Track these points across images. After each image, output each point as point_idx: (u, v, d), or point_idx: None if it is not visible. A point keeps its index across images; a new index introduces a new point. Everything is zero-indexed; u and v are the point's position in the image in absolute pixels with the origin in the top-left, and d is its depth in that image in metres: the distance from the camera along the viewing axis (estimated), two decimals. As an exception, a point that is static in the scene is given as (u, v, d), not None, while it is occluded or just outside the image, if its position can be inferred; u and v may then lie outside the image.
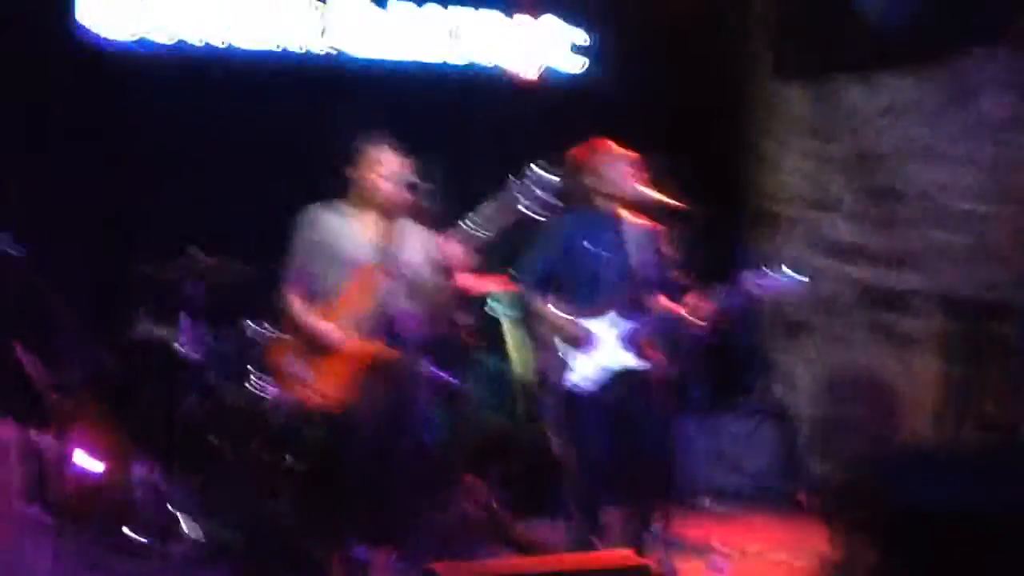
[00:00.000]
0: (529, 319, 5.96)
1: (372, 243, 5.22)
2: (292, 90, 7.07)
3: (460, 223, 5.11)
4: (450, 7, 7.57)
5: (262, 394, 5.93)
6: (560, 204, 5.36)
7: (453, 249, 5.08)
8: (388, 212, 5.26)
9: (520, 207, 5.16)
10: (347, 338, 5.12)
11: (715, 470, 7.55)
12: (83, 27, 6.65)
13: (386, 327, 5.18)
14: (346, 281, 5.16)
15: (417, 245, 5.29)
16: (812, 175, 8.02)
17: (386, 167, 5.21)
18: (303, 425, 5.69)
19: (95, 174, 6.67)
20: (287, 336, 5.28)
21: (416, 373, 5.34)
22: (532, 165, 5.18)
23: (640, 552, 4.99)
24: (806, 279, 5.86)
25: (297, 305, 5.21)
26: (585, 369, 5.62)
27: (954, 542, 4.79)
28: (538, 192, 5.15)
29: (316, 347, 5.16)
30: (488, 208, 5.15)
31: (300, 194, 5.35)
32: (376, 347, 5.15)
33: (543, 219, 5.37)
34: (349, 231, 5.22)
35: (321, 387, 5.16)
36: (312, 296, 5.22)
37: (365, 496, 5.20)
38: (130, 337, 5.96)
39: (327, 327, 5.13)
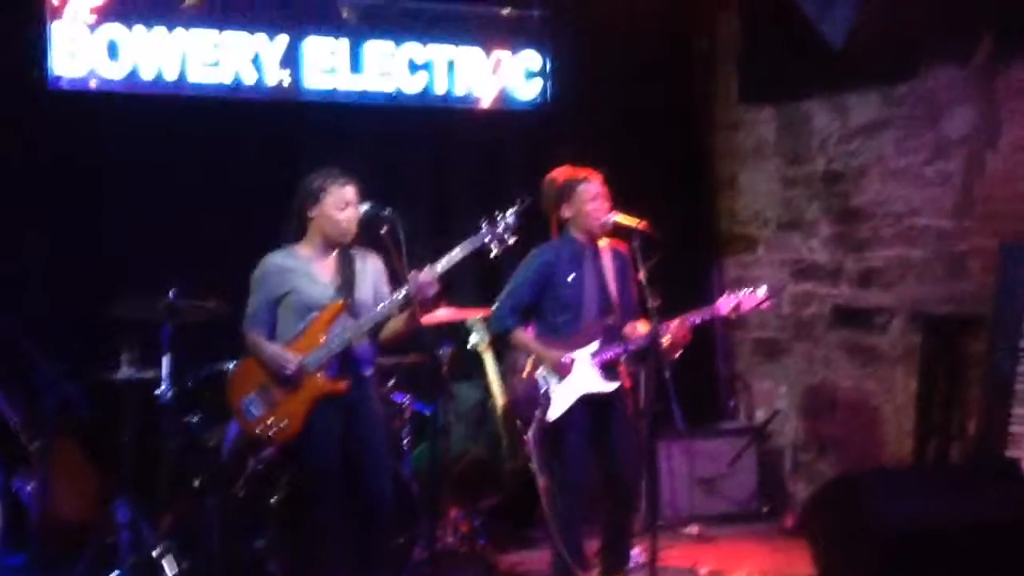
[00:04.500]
0: (506, 351, 5.98)
1: (329, 284, 5.22)
2: (261, 129, 7.08)
3: (430, 265, 5.13)
4: (427, 44, 7.57)
5: (227, 432, 5.93)
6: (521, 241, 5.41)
7: (425, 284, 5.08)
8: (347, 245, 5.27)
9: (489, 249, 5.21)
10: (305, 373, 5.12)
11: (698, 495, 7.56)
12: (54, 76, 6.67)
13: (344, 363, 5.19)
14: (307, 323, 5.17)
15: (370, 280, 5.30)
16: (782, 197, 8.09)
17: (344, 198, 5.19)
18: (274, 464, 5.69)
19: (69, 217, 6.66)
20: (245, 373, 5.27)
21: (375, 407, 5.36)
22: (500, 210, 5.23)
23: (624, 579, 5.00)
24: (775, 297, 5.96)
25: (256, 340, 5.21)
26: (564, 400, 5.64)
27: (936, 560, 4.82)
28: (506, 235, 5.20)
29: (275, 382, 5.16)
30: (457, 252, 5.18)
31: (272, 232, 5.33)
32: (331, 382, 5.15)
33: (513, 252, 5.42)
34: (307, 276, 5.20)
35: (277, 422, 5.14)
36: (273, 339, 5.23)
37: (334, 530, 5.19)
38: (111, 380, 5.95)
39: (284, 357, 5.13)
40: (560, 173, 5.82)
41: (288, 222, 5.27)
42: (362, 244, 5.33)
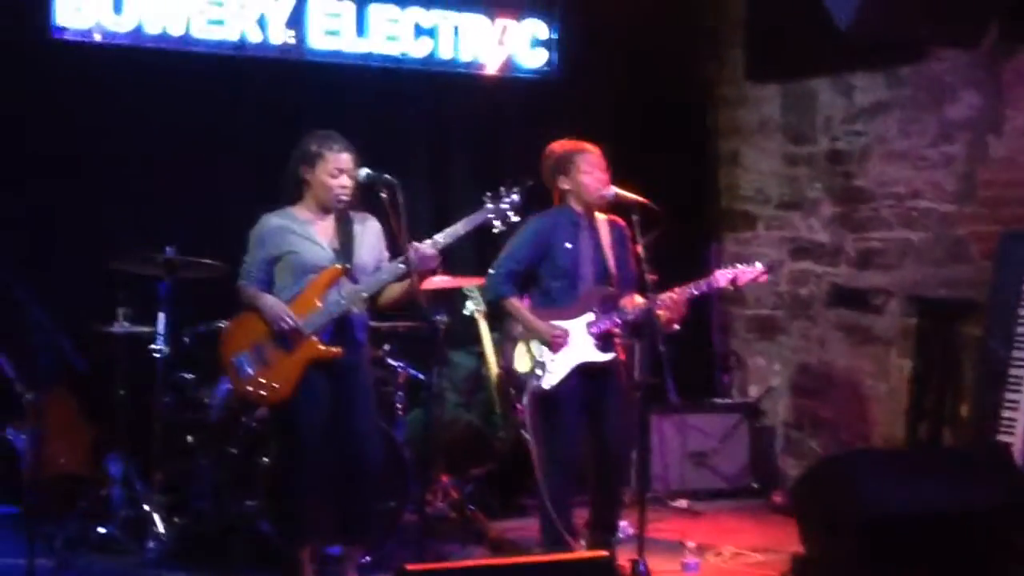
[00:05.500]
0: (502, 319, 5.98)
1: (328, 246, 5.19)
2: (265, 88, 7.06)
3: (431, 238, 5.13)
4: (432, 9, 7.52)
5: (217, 391, 5.94)
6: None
7: (426, 257, 5.08)
8: (342, 211, 5.24)
9: (491, 225, 5.21)
10: (301, 336, 5.11)
11: (689, 470, 7.58)
12: (57, 26, 6.62)
13: (339, 327, 5.17)
14: (304, 285, 5.15)
15: (368, 244, 5.28)
16: (784, 176, 8.07)
17: (337, 165, 5.15)
18: (267, 423, 5.69)
19: (69, 172, 6.63)
20: (240, 329, 5.26)
21: (367, 372, 5.35)
22: (504, 186, 5.23)
23: (612, 551, 5.00)
24: (772, 272, 5.99)
25: (255, 292, 5.18)
26: (559, 369, 5.65)
27: (924, 543, 4.83)
28: (509, 211, 5.20)
29: (270, 341, 5.14)
30: (459, 227, 5.18)
31: (271, 192, 5.32)
32: (327, 347, 5.14)
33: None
34: (307, 238, 5.17)
35: (269, 382, 5.13)
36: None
37: (320, 493, 5.19)
38: (107, 334, 5.95)
39: (284, 310, 5.10)
40: (558, 145, 5.80)
41: (285, 183, 5.24)
42: (361, 208, 5.32)
